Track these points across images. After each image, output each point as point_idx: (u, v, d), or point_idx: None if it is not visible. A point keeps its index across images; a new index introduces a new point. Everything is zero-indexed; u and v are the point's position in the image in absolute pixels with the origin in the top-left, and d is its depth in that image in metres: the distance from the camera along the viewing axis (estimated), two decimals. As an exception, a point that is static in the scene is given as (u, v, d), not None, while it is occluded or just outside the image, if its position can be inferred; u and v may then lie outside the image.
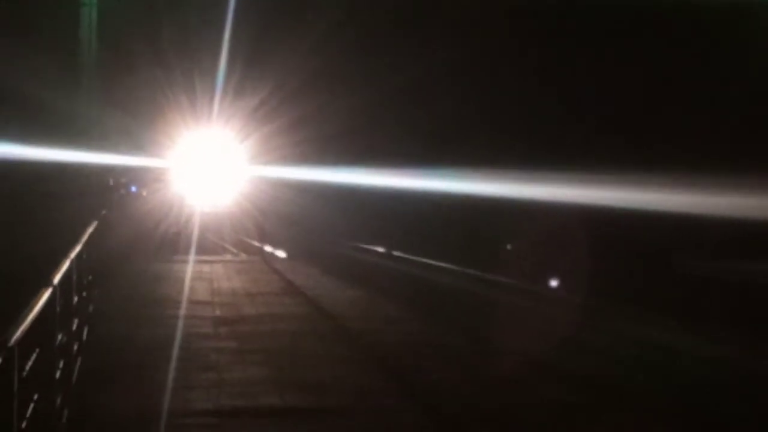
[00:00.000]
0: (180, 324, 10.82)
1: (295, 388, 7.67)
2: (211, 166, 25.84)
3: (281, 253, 22.51)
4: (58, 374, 5.59)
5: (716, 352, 9.36)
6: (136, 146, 22.92)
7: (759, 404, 7.31)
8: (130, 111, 22.65)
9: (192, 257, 19.63)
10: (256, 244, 23.10)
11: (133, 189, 24.75)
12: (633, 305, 12.68)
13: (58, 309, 5.64)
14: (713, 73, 21.00)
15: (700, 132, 20.01)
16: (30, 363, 4.38)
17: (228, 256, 22.60)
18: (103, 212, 13.96)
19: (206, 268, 18.04)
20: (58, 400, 5.54)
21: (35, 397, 4.55)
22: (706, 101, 20.89)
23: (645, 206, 17.57)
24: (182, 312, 11.89)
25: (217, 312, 12.13)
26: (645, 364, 8.81)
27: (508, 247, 23.22)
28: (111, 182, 23.00)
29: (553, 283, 17.77)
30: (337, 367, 8.66)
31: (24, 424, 4.15)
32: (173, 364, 8.47)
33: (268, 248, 22.51)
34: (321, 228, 23.63)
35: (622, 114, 22.47)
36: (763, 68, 19.93)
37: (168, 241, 21.66)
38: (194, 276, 16.22)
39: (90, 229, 10.00)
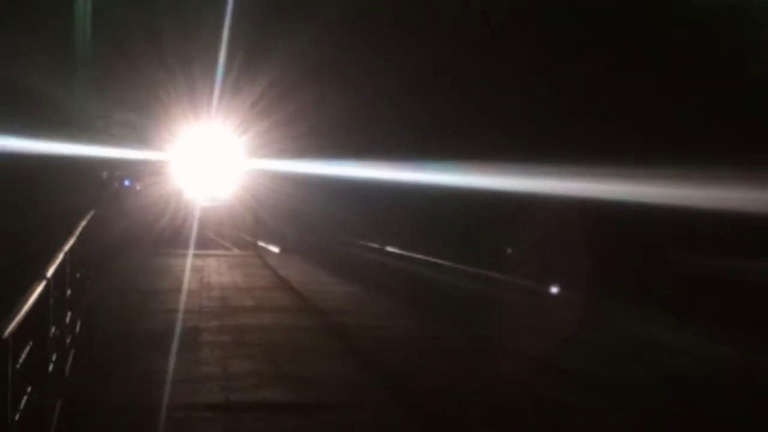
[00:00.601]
0: (166, 318, 10.83)
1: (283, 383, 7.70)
2: (210, 160, 25.73)
3: (280, 248, 22.42)
4: (51, 367, 5.59)
5: (716, 351, 9.39)
6: (132, 139, 22.82)
7: (758, 404, 7.34)
8: (127, 103, 22.58)
9: (189, 252, 19.53)
10: (257, 240, 23.00)
11: (127, 183, 24.60)
12: (627, 302, 12.72)
13: (51, 302, 5.65)
14: (711, 69, 21.05)
15: (697, 128, 20.10)
16: (24, 355, 4.39)
17: (221, 251, 22.55)
18: (94, 209, 13.82)
19: (199, 262, 18.02)
20: (52, 392, 5.55)
21: (29, 389, 4.56)
22: (705, 98, 20.97)
23: (642, 200, 17.61)
24: (170, 306, 11.90)
25: (204, 303, 12.16)
26: (629, 357, 8.87)
27: (509, 251, 23.25)
28: (105, 176, 22.90)
29: (554, 286, 17.78)
30: (328, 362, 8.68)
31: (17, 416, 4.16)
32: (157, 356, 8.49)
33: (268, 244, 22.41)
34: (318, 222, 23.58)
35: (621, 111, 22.54)
36: (762, 65, 20.02)
37: (164, 237, 21.49)
38: (184, 270, 16.18)
39: (79, 230, 9.94)
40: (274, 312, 11.72)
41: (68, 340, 7.23)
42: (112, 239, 16.28)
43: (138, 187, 24.25)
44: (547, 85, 23.89)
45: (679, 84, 21.23)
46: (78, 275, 8.81)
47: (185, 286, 14.04)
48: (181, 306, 11.89)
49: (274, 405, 7.01)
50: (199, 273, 16.08)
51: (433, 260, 17.53)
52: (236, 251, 22.54)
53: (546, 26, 24.06)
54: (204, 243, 22.69)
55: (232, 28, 23.74)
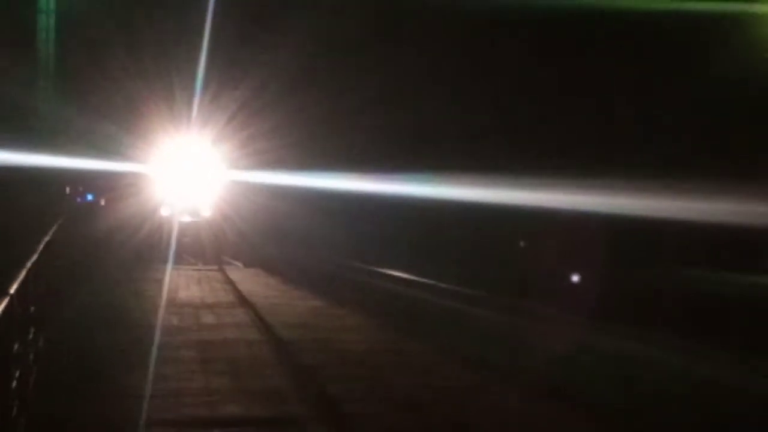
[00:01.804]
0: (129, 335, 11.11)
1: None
2: (188, 172, 24.98)
3: (266, 268, 21.98)
4: (14, 384, 5.86)
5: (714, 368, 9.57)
6: (103, 149, 22.16)
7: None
8: (99, 112, 22.20)
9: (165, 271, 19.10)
10: (237, 261, 22.68)
11: (89, 197, 23.95)
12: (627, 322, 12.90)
13: (14, 318, 5.90)
14: (707, 78, 21.47)
15: (695, 135, 20.54)
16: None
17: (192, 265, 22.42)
18: (55, 227, 13.62)
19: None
20: (15, 409, 5.81)
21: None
22: (702, 106, 21.40)
23: (634, 212, 17.93)
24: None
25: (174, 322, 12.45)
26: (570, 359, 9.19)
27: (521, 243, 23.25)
28: (68, 190, 22.39)
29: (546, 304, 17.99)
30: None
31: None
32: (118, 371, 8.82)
33: (268, 273, 22.18)
34: (301, 237, 23.51)
35: (617, 116, 22.94)
36: (758, 76, 20.48)
37: (129, 258, 20.49)
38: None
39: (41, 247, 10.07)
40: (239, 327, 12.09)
41: (31, 357, 7.48)
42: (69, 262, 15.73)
43: (102, 203, 23.63)
44: (545, 92, 24.28)
45: (678, 88, 21.61)
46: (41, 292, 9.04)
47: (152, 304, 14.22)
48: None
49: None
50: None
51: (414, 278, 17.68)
52: (201, 266, 22.21)
53: (526, 31, 24.40)
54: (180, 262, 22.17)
55: (212, 37, 23.70)
